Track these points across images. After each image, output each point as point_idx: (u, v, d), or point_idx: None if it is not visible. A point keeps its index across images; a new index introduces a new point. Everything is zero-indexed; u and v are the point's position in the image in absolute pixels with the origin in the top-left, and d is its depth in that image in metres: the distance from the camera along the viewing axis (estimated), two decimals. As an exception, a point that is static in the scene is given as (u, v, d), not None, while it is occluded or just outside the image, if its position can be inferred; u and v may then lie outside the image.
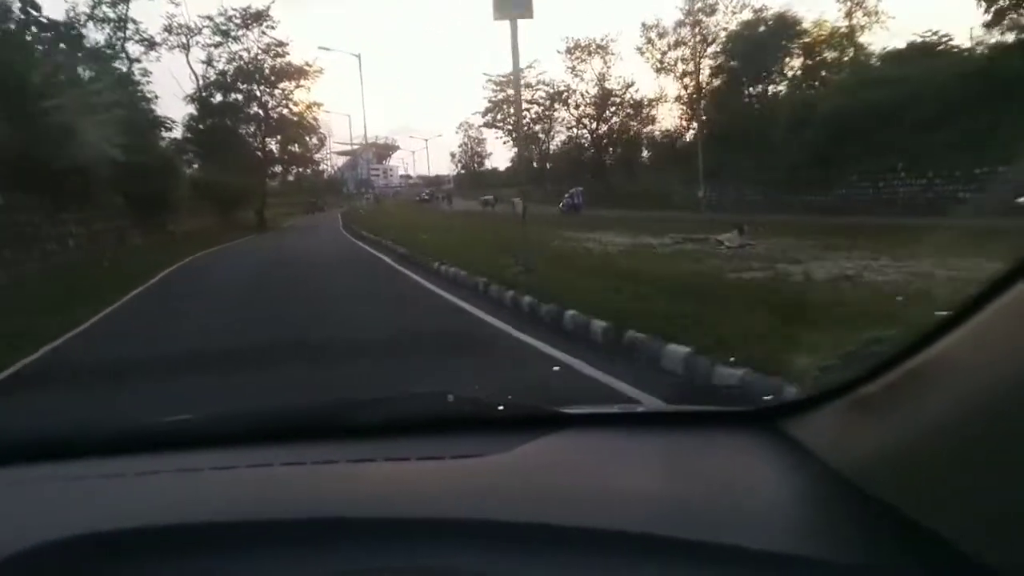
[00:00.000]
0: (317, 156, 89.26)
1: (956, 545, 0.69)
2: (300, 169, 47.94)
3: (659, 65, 43.07)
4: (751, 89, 35.01)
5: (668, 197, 35.59)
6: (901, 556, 0.77)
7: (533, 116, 60.13)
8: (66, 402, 4.87)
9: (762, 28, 34.08)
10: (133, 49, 31.08)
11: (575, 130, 53.06)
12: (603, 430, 1.30)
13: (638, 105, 48.91)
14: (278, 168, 40.01)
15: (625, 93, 49.44)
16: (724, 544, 0.83)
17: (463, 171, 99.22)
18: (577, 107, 52.01)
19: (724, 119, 33.49)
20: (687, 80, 41.73)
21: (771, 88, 34.91)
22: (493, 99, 60.32)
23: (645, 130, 49.47)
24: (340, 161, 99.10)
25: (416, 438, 1.25)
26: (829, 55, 33.93)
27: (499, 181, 79.88)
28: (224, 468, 1.16)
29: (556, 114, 53.27)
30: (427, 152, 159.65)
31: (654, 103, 46.74)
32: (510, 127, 60.44)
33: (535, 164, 64.97)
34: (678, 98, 43.16)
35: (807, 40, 33.21)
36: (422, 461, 1.15)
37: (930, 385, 0.77)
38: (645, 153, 49.11)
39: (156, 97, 27.81)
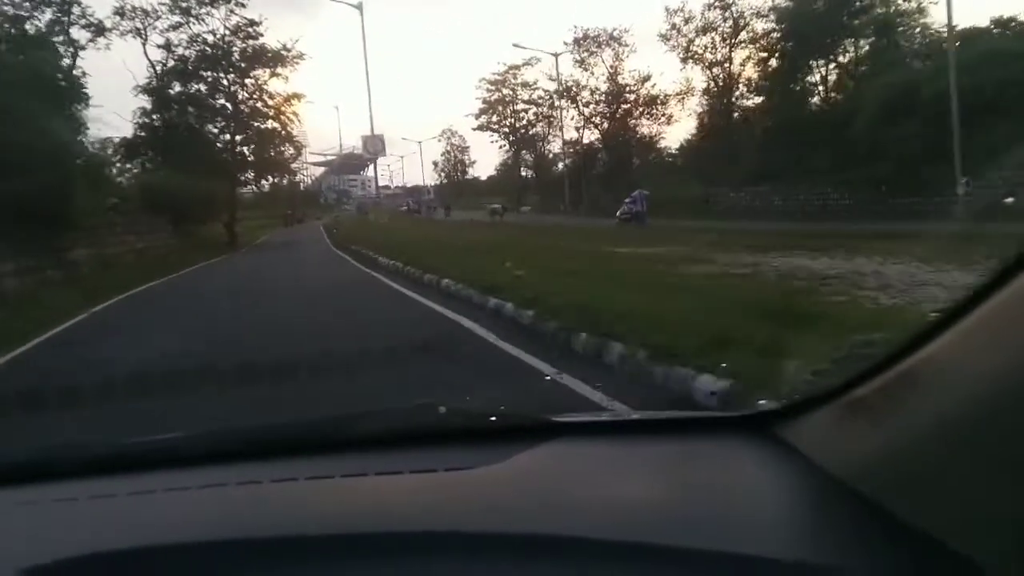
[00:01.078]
0: (294, 165, 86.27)
1: (949, 546, 0.69)
2: (275, 178, 40.92)
3: (685, 54, 38.11)
4: (812, 73, 29.93)
5: (702, 203, 30.71)
6: (896, 558, 0.77)
7: (532, 117, 55.19)
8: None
9: (818, 3, 29.05)
10: (79, 36, 25.39)
11: (584, 130, 47.69)
12: (596, 439, 1.28)
13: (652, 101, 43.88)
14: (250, 174, 33.38)
15: (640, 88, 44.49)
16: (722, 551, 0.83)
17: (446, 180, 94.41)
18: (587, 104, 46.87)
19: (784, 109, 28.52)
20: (716, 70, 36.83)
21: (829, 71, 29.91)
22: (487, 99, 55.90)
23: (667, 128, 45.05)
24: (315, 172, 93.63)
25: (409, 451, 1.24)
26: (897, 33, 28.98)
27: (484, 189, 74.61)
28: (215, 486, 1.15)
29: (563, 113, 48.19)
30: (403, 163, 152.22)
31: (681, 96, 41.30)
32: (506, 129, 56.33)
33: (530, 171, 60.08)
34: (706, 90, 38.19)
35: (878, 13, 28.09)
36: (416, 474, 1.14)
37: (923, 387, 0.78)
38: (665, 151, 44.51)
39: (84, 88, 21.46)
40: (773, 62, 31.81)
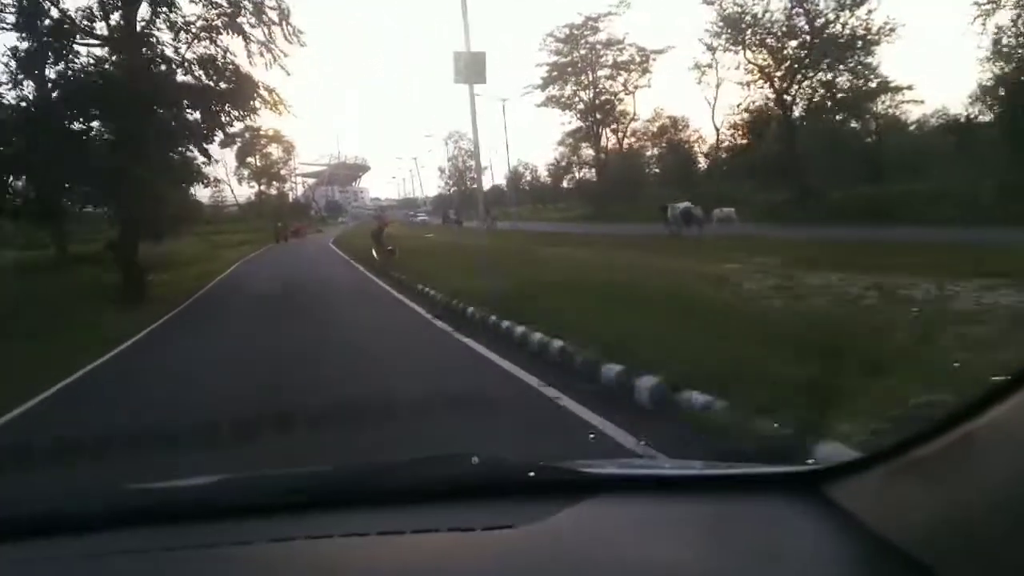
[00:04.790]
0: (283, 171, 79.80)
1: None
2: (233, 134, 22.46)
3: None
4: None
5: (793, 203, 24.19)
6: None
7: (619, 87, 42.42)
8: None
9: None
10: None
11: (752, 87, 29.03)
12: (636, 496, 1.22)
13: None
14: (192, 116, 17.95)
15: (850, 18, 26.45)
16: None
17: (453, 188, 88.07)
18: (758, 46, 28.23)
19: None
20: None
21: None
22: (556, 62, 42.83)
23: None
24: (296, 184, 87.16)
25: (443, 505, 1.21)
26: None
27: (498, 198, 67.83)
28: (246, 543, 1.13)
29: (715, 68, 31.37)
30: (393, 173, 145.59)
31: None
32: (582, 105, 43.24)
33: (584, 169, 49.85)
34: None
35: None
36: (453, 533, 1.12)
37: (984, 452, 0.75)
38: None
39: None
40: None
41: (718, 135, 35.94)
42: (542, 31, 44.68)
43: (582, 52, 42.12)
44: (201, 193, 56.79)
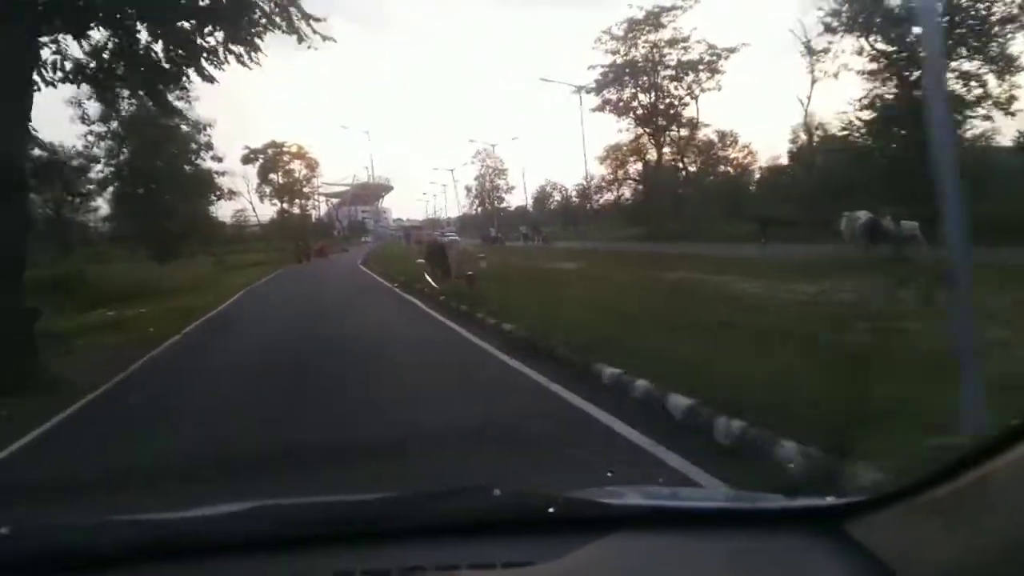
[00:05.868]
0: (306, 189, 76.00)
1: None
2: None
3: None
4: None
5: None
6: None
7: (682, 92, 38.18)
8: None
9: None
10: None
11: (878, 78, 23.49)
12: (657, 532, 1.20)
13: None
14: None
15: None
16: None
17: (479, 208, 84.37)
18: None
19: None
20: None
21: None
22: (615, 62, 37.97)
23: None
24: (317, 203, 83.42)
25: (464, 540, 1.20)
26: None
27: (522, 218, 63.16)
28: None
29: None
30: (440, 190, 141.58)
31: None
32: (642, 109, 38.45)
33: (628, 186, 45.29)
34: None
35: None
36: (474, 570, 1.12)
37: (1001, 494, 0.75)
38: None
39: None
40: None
41: (810, 137, 31.13)
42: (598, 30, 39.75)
43: (642, 51, 37.64)
44: (223, 212, 52.91)
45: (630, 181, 46.75)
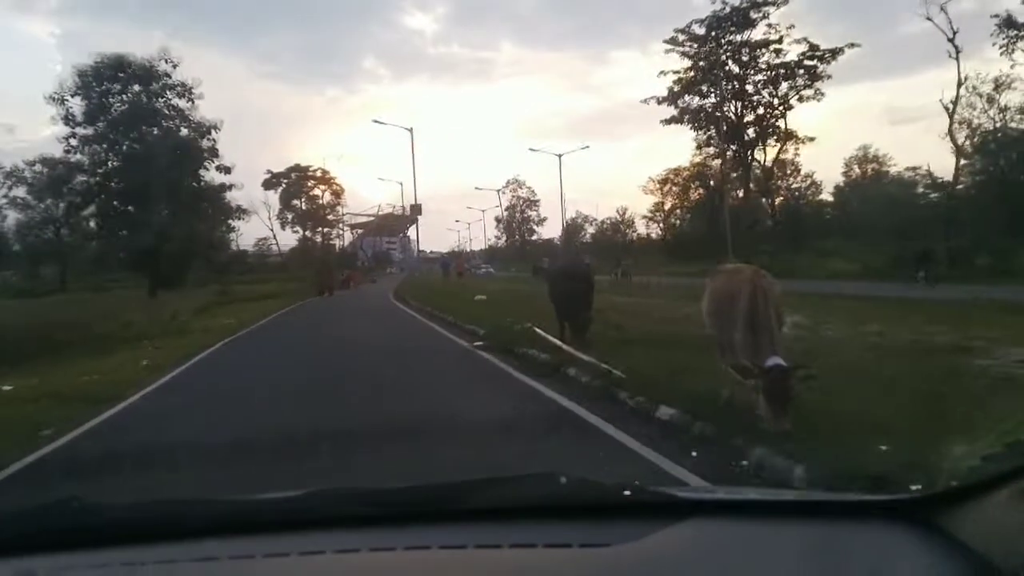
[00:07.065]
0: (331, 217, 71.32)
1: None
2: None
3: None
4: None
5: None
6: None
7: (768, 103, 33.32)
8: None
9: None
10: None
11: None
12: (735, 520, 1.19)
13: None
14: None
15: None
16: None
17: (507, 240, 79.53)
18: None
19: None
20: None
21: None
22: (695, 64, 33.17)
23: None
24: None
25: (535, 523, 1.21)
26: None
27: (549, 251, 57.49)
28: (348, 551, 1.16)
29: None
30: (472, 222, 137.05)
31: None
32: (728, 116, 32.77)
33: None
34: None
35: None
36: (550, 549, 1.12)
37: None
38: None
39: None
40: None
41: (958, 159, 25.38)
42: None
43: (724, 54, 32.16)
44: (244, 241, 47.85)
45: (694, 208, 41.44)
